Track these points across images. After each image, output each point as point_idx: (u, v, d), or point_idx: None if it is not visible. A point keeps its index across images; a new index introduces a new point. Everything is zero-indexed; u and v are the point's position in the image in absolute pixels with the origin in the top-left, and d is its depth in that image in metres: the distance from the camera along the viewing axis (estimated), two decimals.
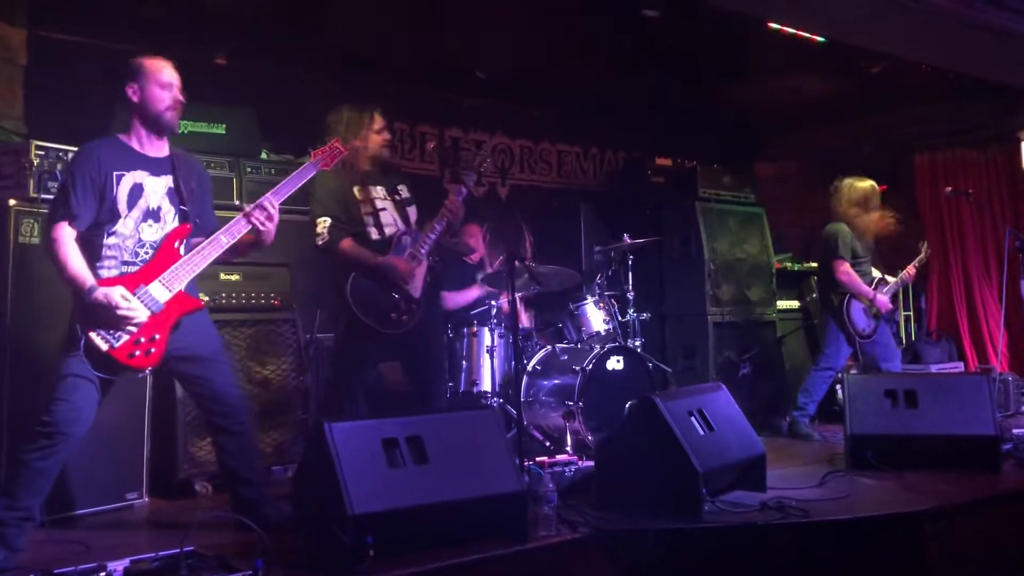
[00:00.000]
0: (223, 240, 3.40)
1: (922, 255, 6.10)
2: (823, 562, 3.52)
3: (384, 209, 4.29)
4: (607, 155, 7.91)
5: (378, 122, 4.31)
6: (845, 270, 5.68)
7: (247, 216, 3.42)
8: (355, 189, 4.26)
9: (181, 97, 3.44)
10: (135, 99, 3.38)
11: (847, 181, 5.87)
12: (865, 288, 5.71)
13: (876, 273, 5.90)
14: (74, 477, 3.81)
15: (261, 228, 3.43)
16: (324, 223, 4.15)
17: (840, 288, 5.73)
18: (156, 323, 3.25)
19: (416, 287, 4.23)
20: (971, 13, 4.66)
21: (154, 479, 4.26)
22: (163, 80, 3.39)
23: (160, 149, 3.49)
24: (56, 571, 2.71)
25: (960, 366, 7.46)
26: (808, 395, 5.87)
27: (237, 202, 4.78)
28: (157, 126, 3.42)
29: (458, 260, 5.86)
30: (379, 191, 4.32)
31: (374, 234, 4.24)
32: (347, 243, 4.16)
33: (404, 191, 4.42)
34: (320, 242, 4.16)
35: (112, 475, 4.05)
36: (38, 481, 3.16)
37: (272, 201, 3.44)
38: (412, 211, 4.40)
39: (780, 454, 5.02)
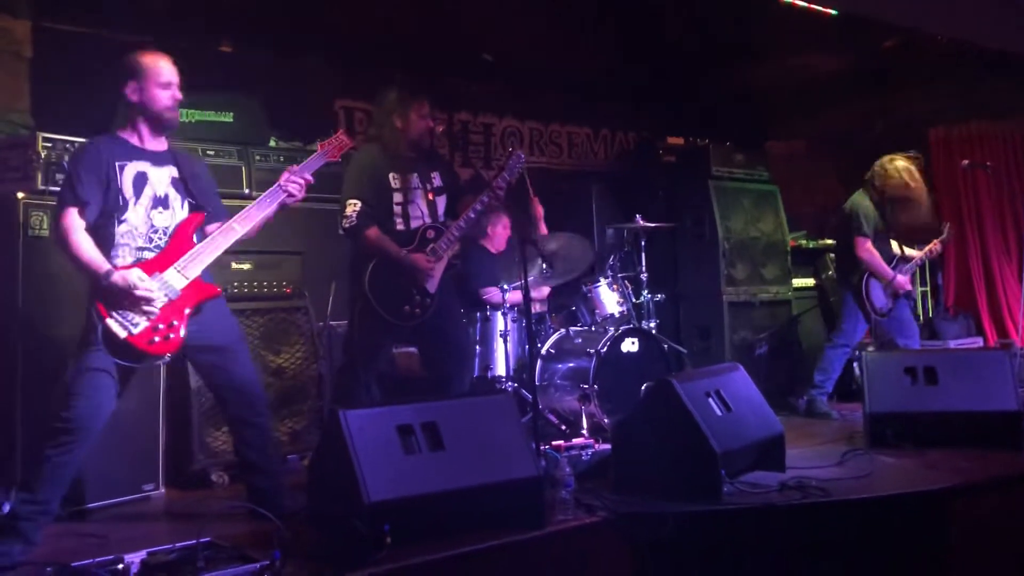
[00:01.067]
0: (237, 228, 3.39)
1: (945, 235, 6.02)
2: (844, 541, 3.49)
3: (413, 201, 4.25)
4: (618, 136, 7.85)
5: (425, 107, 4.27)
6: (868, 247, 5.62)
7: (284, 185, 3.45)
8: (391, 175, 4.22)
9: (179, 95, 3.41)
10: (134, 98, 3.37)
11: (889, 159, 5.77)
12: (885, 268, 5.64)
13: (897, 249, 5.81)
14: (90, 470, 3.79)
15: (296, 197, 3.48)
16: (354, 205, 4.12)
17: (859, 265, 5.66)
18: (174, 309, 3.24)
19: (433, 283, 4.21)
20: None
21: (170, 470, 4.25)
22: (162, 79, 3.37)
23: (160, 144, 3.49)
24: (74, 564, 2.70)
25: (979, 342, 7.41)
26: (825, 373, 5.82)
27: (246, 190, 4.77)
28: (158, 124, 3.41)
29: (478, 258, 5.81)
30: (415, 179, 4.28)
31: (399, 224, 4.21)
32: (373, 231, 4.12)
33: (437, 179, 4.37)
34: (347, 224, 4.13)
35: (128, 467, 4.04)
36: (59, 476, 3.16)
37: (306, 175, 3.50)
38: (442, 201, 4.36)
39: (798, 433, 4.98)
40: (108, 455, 3.84)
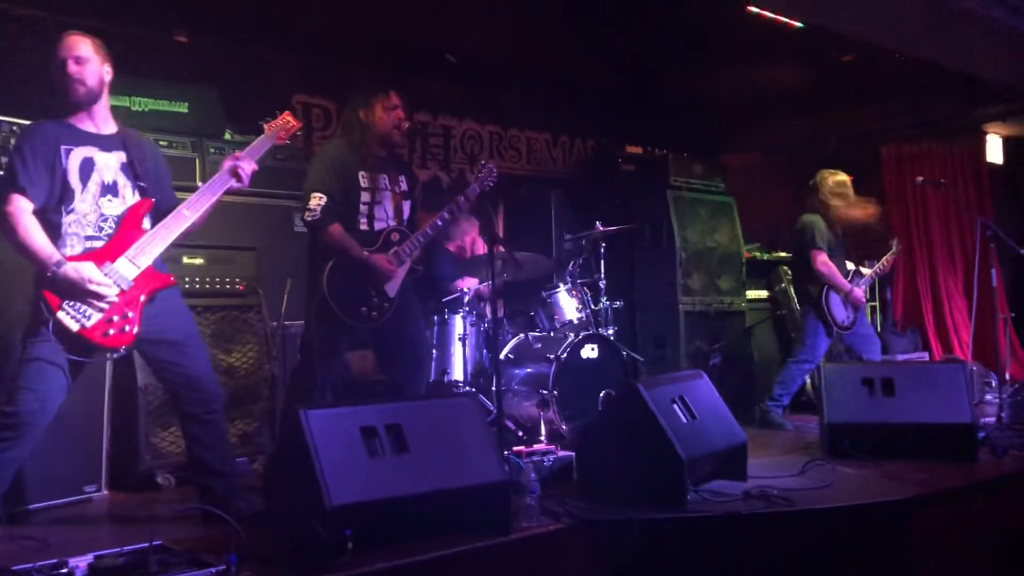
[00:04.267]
0: (186, 213, 3.27)
1: (894, 250, 6.11)
2: (808, 551, 3.47)
3: (381, 202, 4.14)
4: (576, 143, 7.82)
5: (393, 99, 4.14)
6: (824, 260, 5.66)
7: (231, 171, 3.32)
8: (360, 174, 4.10)
9: (75, 69, 3.20)
10: (56, 75, 3.22)
11: (826, 173, 5.85)
12: (842, 280, 5.71)
13: (850, 265, 5.89)
14: (28, 469, 3.58)
15: (244, 180, 3.34)
16: (319, 199, 3.98)
17: (817, 279, 5.70)
18: (127, 300, 3.11)
19: (393, 286, 4.10)
20: None
21: (114, 471, 4.07)
22: (61, 54, 3.20)
23: (107, 126, 3.34)
24: (14, 568, 2.54)
25: (925, 356, 7.52)
26: (784, 387, 5.84)
27: (199, 183, 4.59)
28: (65, 100, 3.24)
29: (446, 254, 5.74)
30: (383, 180, 4.17)
31: (363, 224, 4.09)
32: (336, 228, 3.99)
33: (404, 183, 4.27)
34: (310, 217, 3.98)
35: (69, 467, 3.86)
36: None
37: (252, 160, 3.38)
38: (407, 206, 4.26)
39: (755, 443, 4.90)
40: (48, 454, 3.65)
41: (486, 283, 5.55)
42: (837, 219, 5.77)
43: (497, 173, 4.32)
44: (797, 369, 5.83)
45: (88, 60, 3.23)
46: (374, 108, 4.11)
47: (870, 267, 5.99)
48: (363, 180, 4.10)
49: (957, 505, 3.79)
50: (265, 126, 3.58)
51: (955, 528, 3.74)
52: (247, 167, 3.37)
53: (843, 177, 5.82)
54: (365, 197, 4.10)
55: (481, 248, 6.10)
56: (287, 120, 3.59)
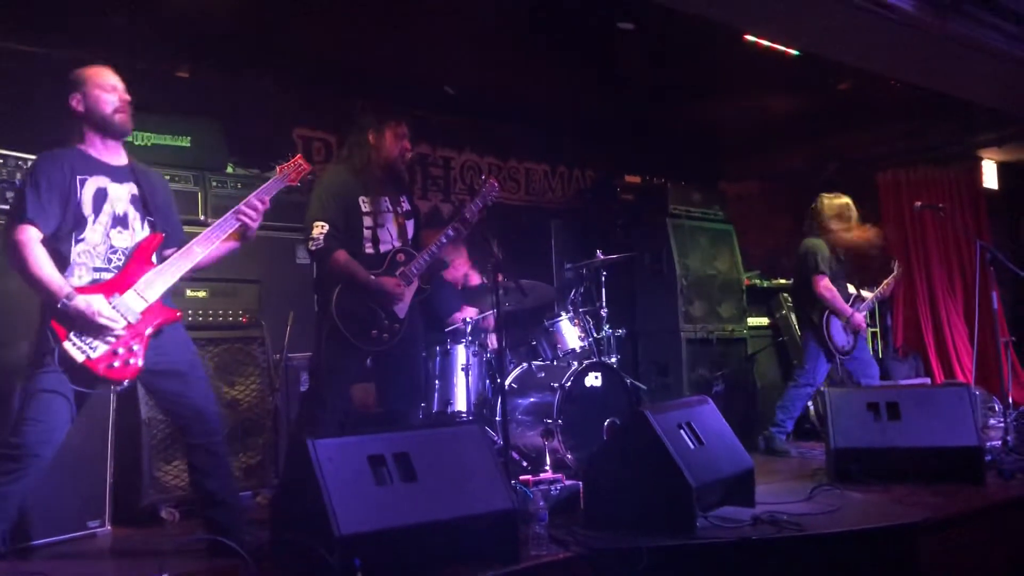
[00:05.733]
0: (197, 250, 3.27)
1: (895, 273, 6.12)
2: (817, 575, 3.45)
3: (383, 225, 4.15)
4: (574, 173, 7.87)
5: (402, 128, 4.18)
6: (826, 285, 5.67)
7: (236, 213, 3.30)
8: (361, 198, 4.11)
9: (127, 96, 3.28)
10: (80, 108, 3.24)
11: (826, 197, 5.88)
12: (844, 305, 5.71)
13: (852, 289, 5.90)
14: (32, 504, 3.55)
15: (251, 224, 3.32)
16: (321, 228, 3.99)
17: (819, 304, 5.70)
18: (133, 334, 3.10)
19: (403, 307, 4.10)
20: (944, 25, 4.69)
21: (117, 506, 4.02)
22: (106, 83, 3.25)
23: (119, 157, 3.36)
24: None
25: (927, 382, 7.51)
26: (786, 412, 5.82)
27: (202, 217, 4.63)
28: (108, 129, 3.27)
29: (445, 285, 5.76)
30: (385, 202, 4.18)
31: (368, 248, 4.10)
32: (341, 254, 4.00)
33: (406, 203, 4.29)
34: (314, 247, 4.00)
35: (73, 502, 3.82)
36: (3, 506, 2.97)
37: (263, 199, 3.35)
38: (411, 225, 4.27)
39: (761, 470, 4.87)
40: (51, 489, 3.61)
41: (486, 313, 5.55)
42: (838, 243, 5.78)
43: (497, 193, 4.33)
44: (797, 394, 5.82)
45: (115, 90, 3.29)
46: (384, 132, 4.15)
47: (870, 292, 6.00)
48: (364, 204, 4.12)
49: (966, 528, 3.76)
50: (277, 168, 3.59)
51: (965, 551, 3.72)
52: (256, 211, 3.35)
53: (844, 200, 5.85)
54: (368, 221, 4.11)
55: (474, 279, 6.10)
56: (298, 163, 3.60)
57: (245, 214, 3.31)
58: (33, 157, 3.58)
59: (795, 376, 5.92)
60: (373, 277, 4.01)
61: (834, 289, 5.69)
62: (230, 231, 3.33)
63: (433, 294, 4.77)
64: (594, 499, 3.70)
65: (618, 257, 5.78)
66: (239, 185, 4.79)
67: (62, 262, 3.12)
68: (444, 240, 4.18)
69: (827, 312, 5.68)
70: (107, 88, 3.25)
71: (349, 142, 4.29)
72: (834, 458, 4.50)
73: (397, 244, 4.16)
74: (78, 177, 3.18)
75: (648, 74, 6.18)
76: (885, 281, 6.06)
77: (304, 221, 4.10)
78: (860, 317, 5.77)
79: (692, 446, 3.66)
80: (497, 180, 7.18)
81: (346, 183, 4.11)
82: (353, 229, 4.08)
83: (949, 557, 3.63)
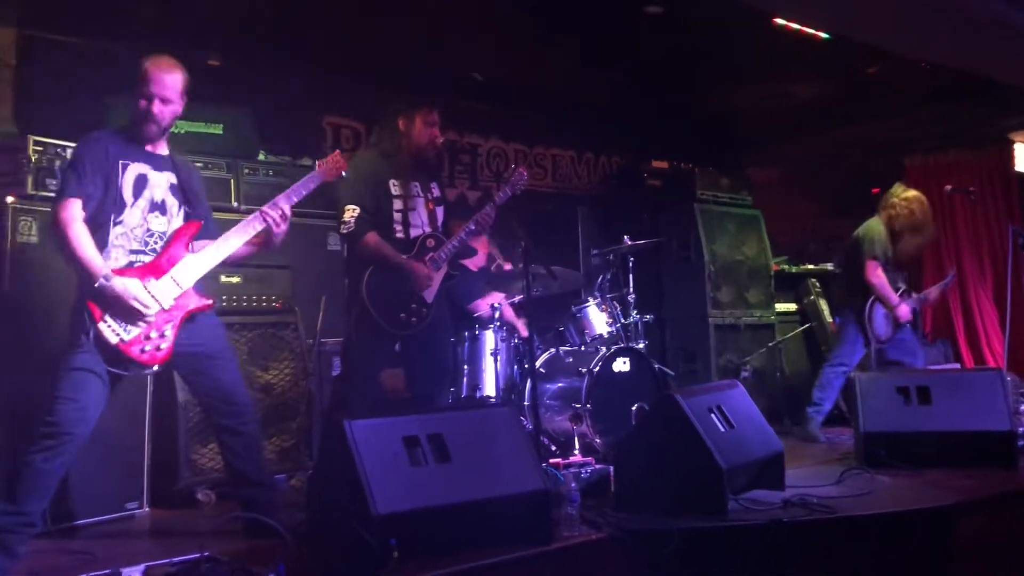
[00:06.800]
0: (233, 239, 3.32)
1: (947, 280, 6.06)
2: (849, 559, 3.45)
3: (414, 209, 4.18)
4: (601, 159, 7.86)
5: (433, 115, 4.21)
6: (878, 272, 5.59)
7: (262, 215, 3.36)
8: (391, 182, 4.15)
9: (168, 110, 3.32)
10: (140, 104, 3.29)
11: (900, 188, 5.82)
12: (891, 293, 5.62)
13: (902, 285, 5.83)
14: (72, 486, 3.68)
15: (275, 228, 3.37)
16: (353, 211, 4.03)
17: (866, 289, 5.62)
18: (166, 319, 3.17)
19: (431, 292, 4.14)
20: (982, 5, 4.63)
21: (154, 488, 4.11)
22: (151, 89, 3.28)
23: (160, 147, 3.42)
24: None
25: (957, 367, 7.45)
26: (823, 391, 5.80)
27: (235, 204, 4.70)
28: (140, 129, 3.33)
29: (470, 272, 5.79)
30: (415, 187, 4.21)
31: (399, 232, 4.13)
32: (372, 237, 4.04)
33: (436, 189, 4.32)
34: (345, 230, 4.04)
35: (112, 484, 3.92)
36: (41, 484, 3.03)
37: (286, 203, 3.41)
38: (440, 212, 4.30)
39: (790, 454, 4.84)
40: (91, 471, 3.73)
41: (513, 298, 5.57)
42: (898, 231, 5.70)
43: (526, 181, 4.35)
44: (832, 373, 5.78)
45: (172, 102, 3.33)
46: (415, 119, 4.17)
47: (917, 293, 5.95)
48: (394, 188, 4.15)
49: (999, 512, 3.75)
50: (318, 163, 3.66)
51: (997, 535, 3.70)
52: (276, 214, 3.40)
53: (914, 194, 5.76)
54: (398, 205, 4.14)
55: (506, 266, 6.11)
56: (337, 159, 3.67)
57: (270, 216, 3.37)
58: (72, 144, 3.65)
59: (831, 356, 5.90)
60: (405, 259, 4.05)
61: (884, 276, 5.61)
62: (260, 228, 3.39)
63: (457, 281, 4.82)
64: (624, 482, 3.71)
65: (645, 243, 5.78)
66: (270, 173, 4.85)
67: (100, 243, 3.18)
68: (473, 227, 4.21)
69: (872, 299, 5.62)
70: (150, 94, 3.28)
71: (379, 128, 4.32)
72: (863, 442, 4.48)
73: (427, 229, 4.19)
74: (120, 161, 3.25)
75: (675, 59, 6.16)
76: (937, 286, 6.01)
77: (336, 206, 4.13)
78: (905, 309, 5.68)
79: (722, 429, 3.66)
80: (524, 167, 7.29)
81: (376, 168, 4.14)
82: (384, 213, 4.11)
83: (981, 540, 3.61)
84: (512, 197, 4.27)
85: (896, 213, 5.75)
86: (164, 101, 3.30)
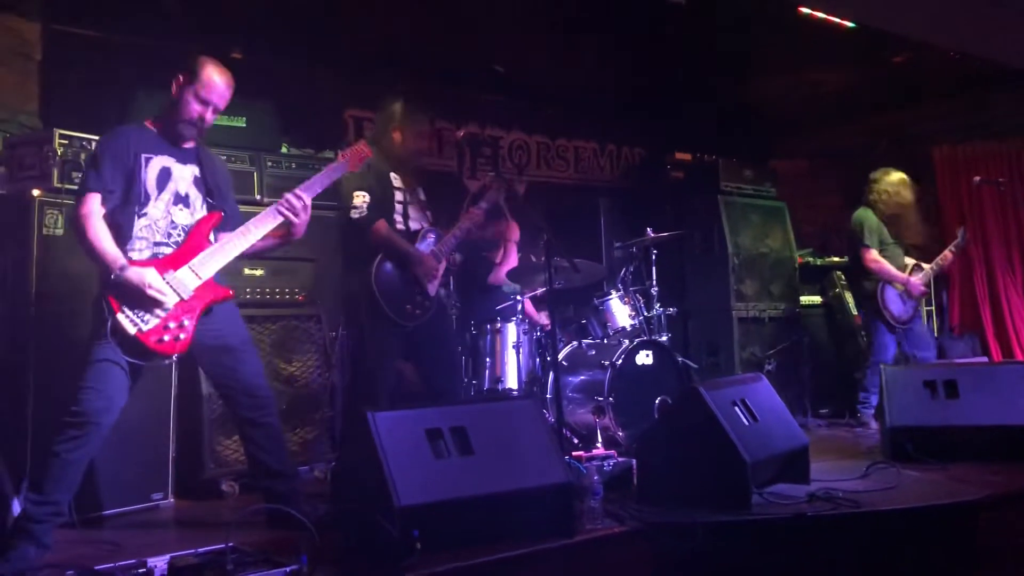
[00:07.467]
0: (253, 230, 3.33)
1: (959, 239, 6.02)
2: (874, 553, 3.41)
3: (413, 203, 4.25)
4: (623, 151, 7.83)
5: (424, 126, 4.29)
6: (873, 258, 5.66)
7: (279, 208, 3.36)
8: (392, 175, 4.20)
9: (210, 118, 3.36)
10: (173, 92, 3.33)
11: (880, 172, 5.86)
12: (896, 272, 5.68)
13: (909, 260, 5.83)
14: (98, 477, 3.71)
15: (294, 220, 3.37)
16: (363, 197, 4.04)
17: (872, 277, 5.67)
18: (185, 309, 3.17)
19: (434, 285, 4.19)
20: None
21: (178, 479, 4.15)
22: (202, 93, 3.31)
23: (187, 140, 3.43)
24: (97, 567, 2.60)
25: (984, 361, 7.35)
26: (867, 392, 5.87)
27: (258, 196, 4.71)
28: (174, 127, 3.35)
29: (485, 261, 5.81)
30: (412, 183, 4.30)
31: (399, 224, 4.17)
32: (383, 224, 4.07)
33: (422, 194, 4.37)
34: (357, 215, 4.04)
35: (137, 475, 3.95)
36: (68, 474, 3.06)
37: (303, 194, 3.40)
38: (428, 215, 4.37)
39: (815, 448, 4.81)
40: (116, 462, 3.77)
41: (536, 291, 5.56)
42: (886, 211, 5.72)
43: (504, 197, 4.45)
44: (872, 370, 5.79)
45: (219, 111, 3.37)
46: (406, 131, 4.22)
47: (928, 264, 5.92)
48: (395, 180, 4.21)
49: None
50: (340, 153, 3.65)
51: (1022, 529, 3.66)
52: (299, 203, 3.39)
53: (897, 175, 5.77)
54: (399, 196, 4.20)
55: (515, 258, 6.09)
56: (361, 148, 3.66)
57: (287, 208, 3.37)
58: (97, 138, 3.67)
59: (867, 357, 5.93)
60: (414, 248, 4.08)
61: (881, 260, 5.67)
62: (279, 220, 3.39)
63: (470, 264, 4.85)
64: (647, 475, 3.70)
65: (668, 235, 5.75)
66: (293, 165, 4.86)
67: (123, 235, 3.20)
68: (467, 225, 4.27)
69: (880, 283, 5.65)
70: (202, 98, 3.31)
71: (376, 128, 4.37)
72: (890, 436, 4.44)
73: (425, 224, 4.25)
74: (143, 156, 3.26)
75: (697, 50, 6.11)
76: (947, 249, 5.96)
77: (340, 193, 4.10)
78: (917, 282, 5.72)
79: (746, 422, 3.64)
80: (546, 159, 7.28)
81: (378, 159, 4.15)
82: (387, 202, 4.14)
83: (1009, 535, 3.57)
84: (512, 197, 4.31)
85: (879, 199, 5.81)
86: (216, 110, 3.34)
